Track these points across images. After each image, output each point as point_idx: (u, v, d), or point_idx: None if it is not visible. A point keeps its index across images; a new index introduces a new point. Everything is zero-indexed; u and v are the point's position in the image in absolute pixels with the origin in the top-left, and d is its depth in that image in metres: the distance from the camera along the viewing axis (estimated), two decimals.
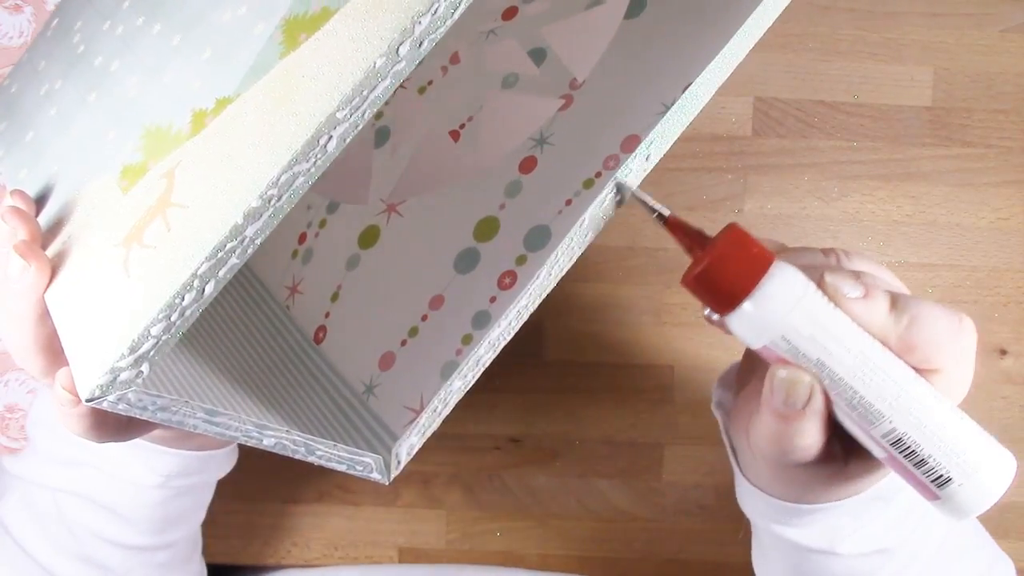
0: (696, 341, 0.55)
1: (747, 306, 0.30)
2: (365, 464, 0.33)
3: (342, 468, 0.32)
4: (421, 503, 0.56)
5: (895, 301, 0.30)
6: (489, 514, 0.56)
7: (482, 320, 0.36)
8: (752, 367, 0.37)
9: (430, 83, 0.43)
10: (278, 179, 0.25)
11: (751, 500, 0.39)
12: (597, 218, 0.33)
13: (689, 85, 0.33)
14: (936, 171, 0.53)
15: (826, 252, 0.33)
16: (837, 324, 0.30)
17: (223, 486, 0.49)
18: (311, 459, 0.31)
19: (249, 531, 0.57)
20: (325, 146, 0.25)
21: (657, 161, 0.33)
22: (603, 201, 0.33)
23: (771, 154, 0.54)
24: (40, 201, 0.34)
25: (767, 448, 0.32)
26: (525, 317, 0.34)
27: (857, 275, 0.31)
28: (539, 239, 0.36)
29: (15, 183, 0.36)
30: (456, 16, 0.25)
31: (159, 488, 0.43)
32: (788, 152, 0.54)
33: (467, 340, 0.36)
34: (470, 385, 0.34)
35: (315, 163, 0.25)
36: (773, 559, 0.42)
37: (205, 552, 0.55)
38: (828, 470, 0.33)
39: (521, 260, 0.36)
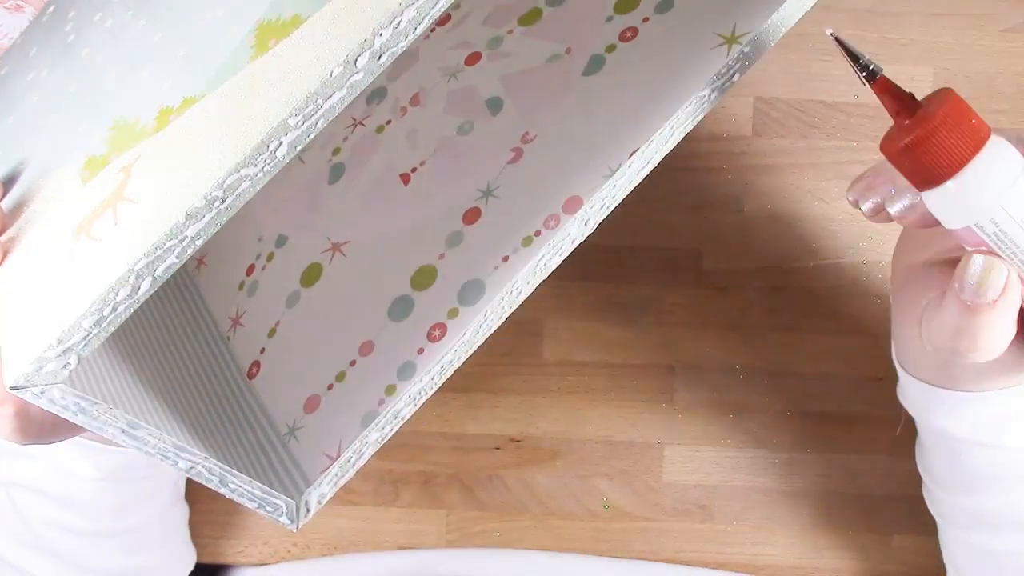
0: (696, 341, 0.55)
1: (957, 182, 0.27)
2: (276, 506, 0.33)
3: (253, 506, 0.32)
4: (421, 503, 0.56)
5: None
6: (489, 514, 0.56)
7: (407, 371, 0.35)
8: (925, 249, 0.34)
9: (388, 123, 0.43)
10: (223, 181, 0.25)
11: (911, 393, 0.37)
12: (532, 280, 0.33)
13: (636, 151, 0.33)
14: None
15: None
16: None
17: None
18: (223, 490, 0.31)
19: (249, 531, 0.57)
20: (275, 152, 0.25)
21: (596, 226, 0.33)
22: (537, 264, 0.32)
23: (771, 154, 0.54)
24: (7, 184, 0.34)
25: (947, 344, 0.30)
26: (449, 373, 0.34)
27: None
28: (473, 294, 0.35)
29: None
30: (419, 32, 0.25)
31: (103, 480, 0.42)
32: (788, 152, 0.54)
33: (390, 391, 0.35)
34: (387, 438, 0.34)
35: (263, 168, 0.25)
36: (934, 455, 0.40)
37: (204, 552, 0.55)
38: (1007, 361, 0.31)
39: (453, 313, 0.35)
